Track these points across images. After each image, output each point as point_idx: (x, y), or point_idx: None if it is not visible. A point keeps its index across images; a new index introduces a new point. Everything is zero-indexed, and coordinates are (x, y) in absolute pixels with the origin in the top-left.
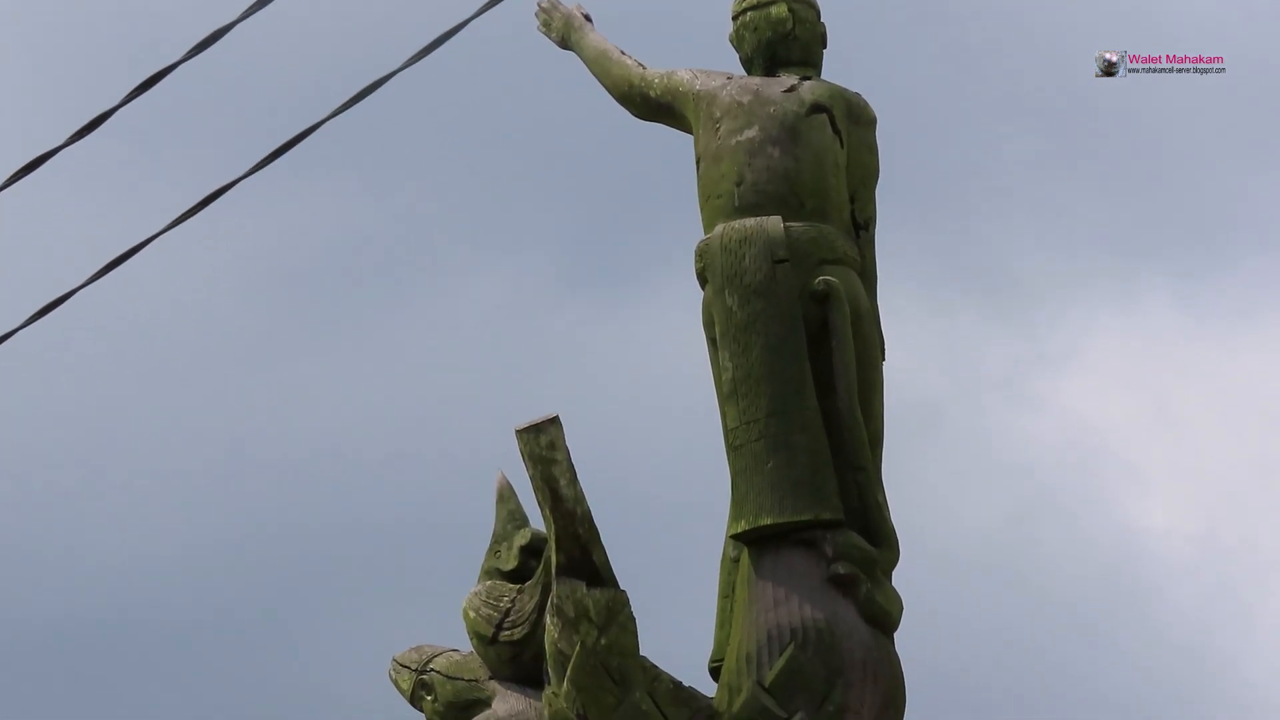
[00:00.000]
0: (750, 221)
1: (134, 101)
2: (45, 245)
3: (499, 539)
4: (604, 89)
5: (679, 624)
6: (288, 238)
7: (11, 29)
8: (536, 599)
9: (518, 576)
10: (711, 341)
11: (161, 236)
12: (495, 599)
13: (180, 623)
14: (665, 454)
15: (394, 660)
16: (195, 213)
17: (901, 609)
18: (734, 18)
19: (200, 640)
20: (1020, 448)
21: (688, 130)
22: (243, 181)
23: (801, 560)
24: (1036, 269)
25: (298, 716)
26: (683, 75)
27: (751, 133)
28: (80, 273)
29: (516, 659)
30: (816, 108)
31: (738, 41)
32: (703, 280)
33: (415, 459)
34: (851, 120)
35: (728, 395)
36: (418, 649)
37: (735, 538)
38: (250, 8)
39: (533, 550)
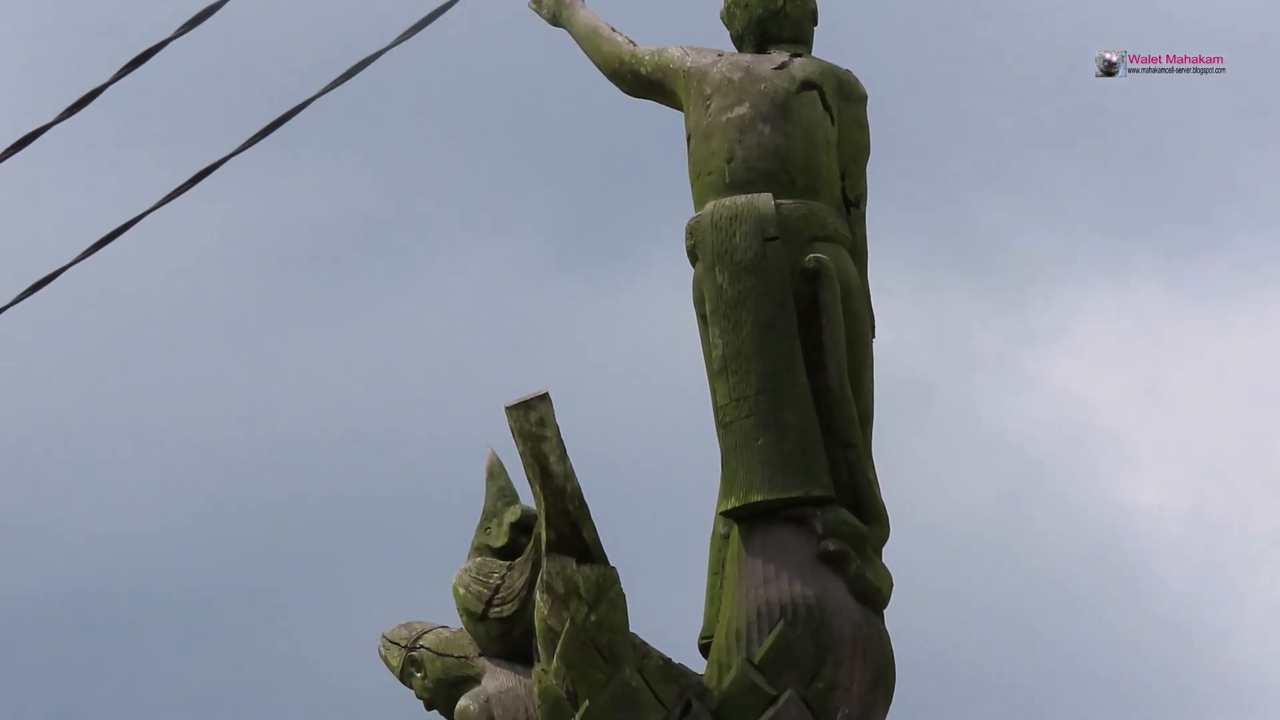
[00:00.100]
0: (741, 199)
1: (124, 78)
2: (35, 222)
3: (489, 515)
4: (595, 66)
5: (669, 600)
6: (278, 215)
7: (1, 6)
8: (526, 576)
9: (508, 553)
10: (702, 318)
11: (152, 214)
12: (485, 575)
13: (169, 599)
14: (655, 430)
15: (383, 637)
16: (185, 190)
17: (891, 586)
18: None
19: (190, 617)
20: (1010, 425)
21: (678, 107)
22: (233, 159)
23: (791, 537)
24: (1027, 247)
25: (288, 693)
26: (673, 52)
27: (742, 110)
28: (70, 249)
29: (506, 636)
30: (807, 85)
31: (728, 18)
32: (693, 257)
33: (405, 435)
34: (842, 97)
35: (718, 372)
36: (407, 625)
37: (725, 514)
38: None
39: (523, 527)
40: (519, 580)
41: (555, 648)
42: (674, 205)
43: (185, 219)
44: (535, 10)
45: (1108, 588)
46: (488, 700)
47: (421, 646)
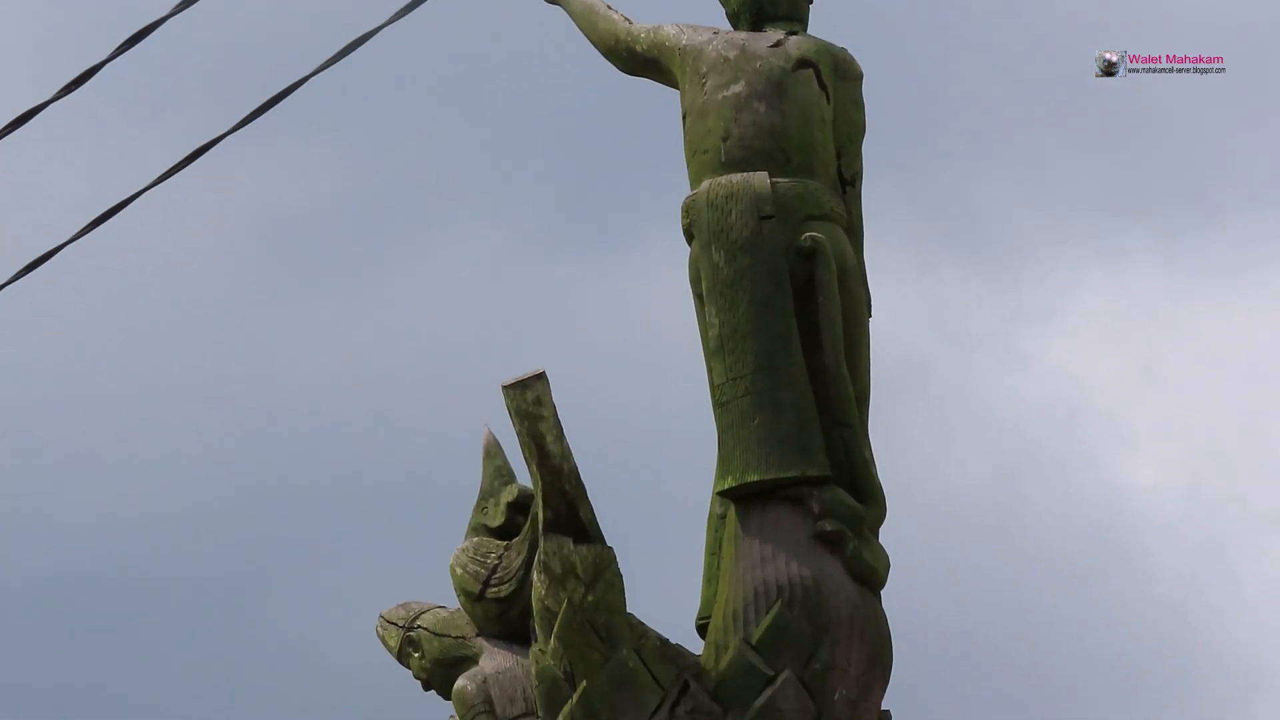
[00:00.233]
0: (736, 177)
1: (122, 56)
2: (32, 201)
3: (486, 495)
4: (590, 44)
5: (666, 581)
6: (275, 193)
7: None
8: (524, 555)
9: (505, 533)
10: (698, 297)
11: (149, 192)
12: (482, 555)
13: (165, 580)
14: (652, 410)
15: (381, 617)
16: (182, 168)
17: (888, 566)
18: None
19: (185, 597)
20: (1006, 405)
21: (674, 85)
22: (230, 137)
23: (788, 517)
24: (1023, 226)
25: (285, 673)
26: (669, 30)
27: (738, 88)
28: (67, 228)
29: (503, 615)
30: (803, 63)
31: None
32: (689, 236)
33: (403, 415)
34: (838, 75)
35: (714, 351)
36: (405, 606)
37: (722, 494)
38: None
39: (520, 506)
40: (516, 560)
41: (552, 628)
42: (670, 184)
43: (182, 197)
44: None
45: (1103, 568)
46: (485, 680)
47: (419, 627)
